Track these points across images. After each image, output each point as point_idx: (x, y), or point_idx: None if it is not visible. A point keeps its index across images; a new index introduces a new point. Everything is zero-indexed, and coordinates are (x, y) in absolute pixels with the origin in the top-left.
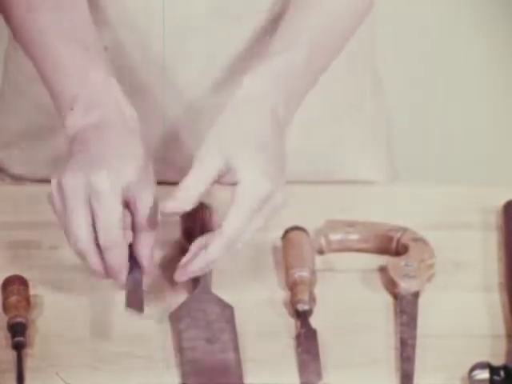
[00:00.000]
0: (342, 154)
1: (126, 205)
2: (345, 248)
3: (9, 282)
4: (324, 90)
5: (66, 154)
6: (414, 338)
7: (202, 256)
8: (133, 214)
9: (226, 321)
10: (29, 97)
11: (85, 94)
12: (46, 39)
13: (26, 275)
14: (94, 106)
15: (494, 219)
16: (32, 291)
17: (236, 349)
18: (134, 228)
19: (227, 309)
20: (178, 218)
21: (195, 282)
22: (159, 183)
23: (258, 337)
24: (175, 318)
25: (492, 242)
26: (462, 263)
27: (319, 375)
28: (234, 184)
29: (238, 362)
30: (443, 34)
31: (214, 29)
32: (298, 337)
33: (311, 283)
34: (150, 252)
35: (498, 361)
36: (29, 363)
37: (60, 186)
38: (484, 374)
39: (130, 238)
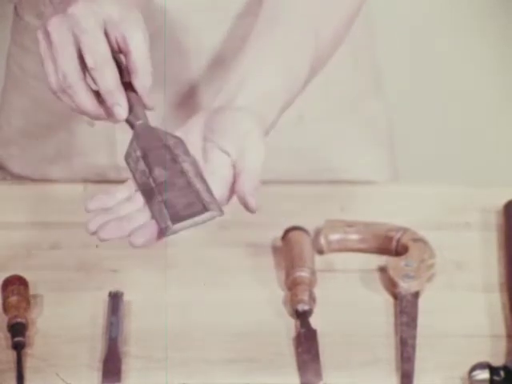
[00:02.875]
0: (342, 153)
1: (118, 48)
2: (345, 248)
3: (9, 281)
4: (324, 90)
5: None
6: (414, 337)
7: None
8: (126, 57)
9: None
10: (29, 94)
11: None
12: None
13: (25, 275)
14: None
15: (494, 219)
16: (32, 291)
17: (202, 179)
18: (129, 71)
19: (179, 142)
20: None
21: (130, 119)
22: None
23: (258, 337)
24: (126, 163)
25: (492, 242)
26: (462, 263)
27: (319, 375)
28: None
29: (209, 191)
30: (444, 33)
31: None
32: (297, 337)
33: (311, 283)
34: (147, 90)
35: (498, 361)
36: (29, 363)
37: (46, 31)
38: (484, 374)
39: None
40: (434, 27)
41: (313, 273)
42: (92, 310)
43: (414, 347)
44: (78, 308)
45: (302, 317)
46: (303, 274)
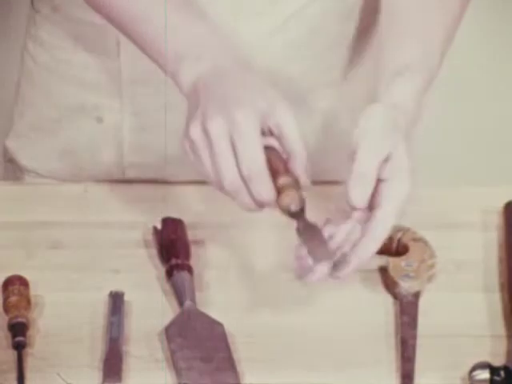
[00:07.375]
0: (342, 153)
1: (271, 134)
2: None
3: (9, 281)
4: (324, 90)
5: (189, 107)
6: (414, 337)
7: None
8: (281, 141)
9: (218, 339)
10: (41, 87)
11: (192, 45)
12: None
13: (26, 275)
14: (203, 53)
15: (495, 219)
16: (32, 291)
17: (233, 367)
18: (285, 153)
19: (218, 326)
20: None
21: (180, 298)
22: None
23: (259, 337)
24: (165, 337)
25: (492, 242)
26: (462, 263)
27: (329, 254)
28: None
29: (237, 379)
30: None
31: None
32: (297, 230)
33: (297, 186)
34: (306, 169)
35: (499, 361)
36: (29, 363)
37: (206, 131)
38: (484, 374)
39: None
40: None
41: (296, 181)
42: (92, 309)
43: (414, 347)
44: (79, 308)
45: (297, 216)
46: (287, 178)
